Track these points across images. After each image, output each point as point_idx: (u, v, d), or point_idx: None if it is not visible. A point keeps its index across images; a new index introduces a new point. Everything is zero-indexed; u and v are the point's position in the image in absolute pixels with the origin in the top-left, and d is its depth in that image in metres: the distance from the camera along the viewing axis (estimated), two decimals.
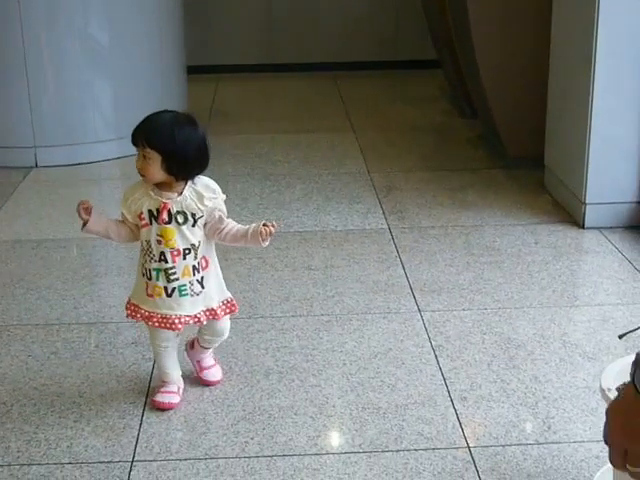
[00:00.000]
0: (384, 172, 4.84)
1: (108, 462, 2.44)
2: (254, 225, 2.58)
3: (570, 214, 4.14)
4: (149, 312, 2.58)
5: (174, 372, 2.72)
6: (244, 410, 2.67)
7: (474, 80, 5.00)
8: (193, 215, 2.52)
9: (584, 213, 4.00)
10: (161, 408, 2.66)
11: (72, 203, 4.39)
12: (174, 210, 2.50)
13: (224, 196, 2.61)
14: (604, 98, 3.85)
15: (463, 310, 3.27)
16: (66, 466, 2.43)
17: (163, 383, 2.72)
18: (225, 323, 2.72)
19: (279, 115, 6.17)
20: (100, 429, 2.59)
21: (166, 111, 2.58)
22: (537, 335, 3.08)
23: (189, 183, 2.52)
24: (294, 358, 2.96)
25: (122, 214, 2.58)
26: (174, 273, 2.54)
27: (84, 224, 2.57)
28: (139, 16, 5.18)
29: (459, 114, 5.95)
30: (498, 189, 4.55)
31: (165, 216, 2.50)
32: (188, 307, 2.58)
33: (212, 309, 2.63)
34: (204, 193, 2.53)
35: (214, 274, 2.65)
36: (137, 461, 2.45)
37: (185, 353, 2.84)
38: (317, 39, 7.42)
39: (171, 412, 2.66)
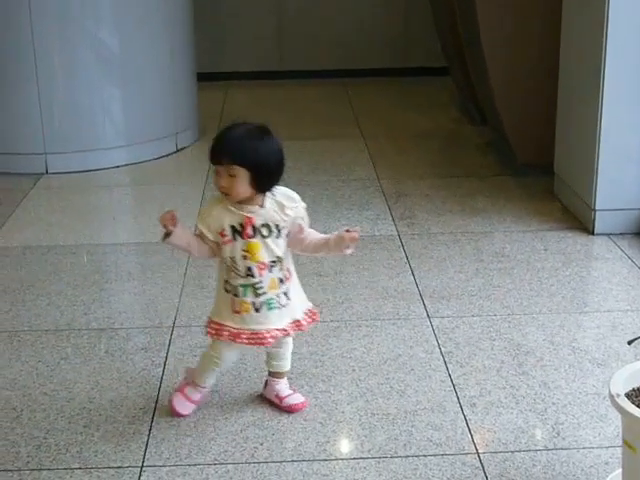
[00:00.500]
0: (393, 179, 4.84)
1: (118, 467, 2.45)
2: (336, 233, 2.53)
3: (579, 221, 4.14)
4: (237, 329, 2.51)
5: (210, 382, 2.68)
6: (253, 416, 2.68)
7: (483, 87, 5.01)
8: (277, 226, 2.47)
9: (594, 219, 3.99)
10: (174, 415, 2.65)
11: (82, 209, 4.43)
12: (258, 223, 2.44)
13: (304, 204, 2.55)
14: (613, 105, 3.86)
15: (472, 316, 3.27)
16: (76, 471, 2.43)
17: (190, 383, 2.68)
18: (289, 341, 2.67)
19: (288, 122, 6.17)
20: (110, 434, 2.59)
21: (238, 124, 2.48)
22: (546, 341, 3.08)
23: (268, 194, 2.46)
24: (303, 364, 2.96)
25: (200, 232, 2.48)
26: (261, 287, 2.48)
27: (166, 235, 2.45)
28: (149, 23, 5.21)
29: (468, 121, 5.95)
30: (507, 196, 4.55)
31: (250, 230, 2.43)
32: (276, 320, 2.52)
33: (297, 320, 2.58)
34: (285, 203, 2.47)
35: (296, 284, 2.61)
36: (147, 466, 2.45)
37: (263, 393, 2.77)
38: (327, 46, 7.43)
39: (181, 417, 2.67)
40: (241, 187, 2.39)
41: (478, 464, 2.42)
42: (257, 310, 2.49)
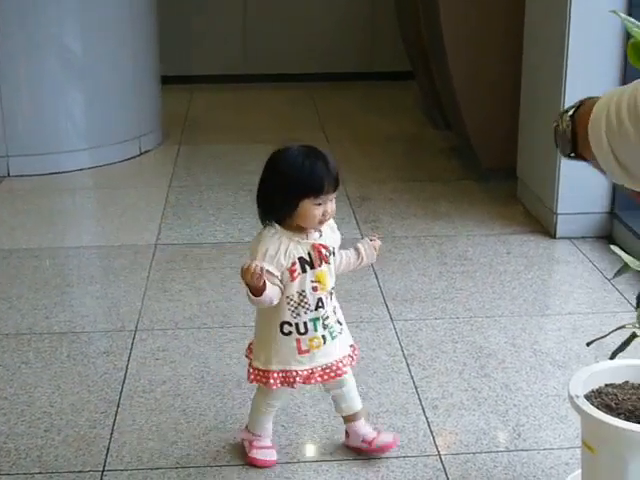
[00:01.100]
0: (358, 183, 4.85)
1: (79, 472, 2.43)
2: (359, 245, 2.39)
3: (542, 224, 4.17)
4: (308, 370, 2.32)
5: (270, 425, 2.49)
6: (216, 419, 2.67)
7: (447, 92, 5.03)
8: (334, 249, 2.32)
9: (555, 223, 4.03)
10: (263, 466, 2.44)
11: (45, 212, 4.39)
12: (324, 249, 2.28)
13: None
14: None
15: (435, 319, 3.28)
16: (36, 476, 2.42)
17: (255, 437, 2.46)
18: (347, 377, 2.43)
19: (253, 126, 6.17)
20: (71, 439, 2.58)
21: (309, 147, 2.29)
22: (508, 344, 3.10)
23: None
24: None
25: (266, 274, 2.18)
26: (327, 317, 2.32)
27: (257, 290, 2.19)
28: (112, 26, 5.18)
29: (433, 125, 5.98)
30: (471, 200, 4.58)
31: (319, 258, 2.26)
32: (339, 348, 2.37)
33: (352, 345, 2.44)
34: (332, 224, 2.33)
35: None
36: (108, 470, 2.44)
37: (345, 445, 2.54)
38: (292, 50, 7.43)
39: (142, 421, 2.66)
40: None
41: (440, 466, 2.43)
42: (326, 342, 2.32)
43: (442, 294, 3.48)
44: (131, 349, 3.09)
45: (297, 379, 2.31)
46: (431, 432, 2.59)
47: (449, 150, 5.47)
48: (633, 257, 2.08)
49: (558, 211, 4.01)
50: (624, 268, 2.06)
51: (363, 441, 2.45)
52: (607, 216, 4.03)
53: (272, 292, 2.21)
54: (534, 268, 3.74)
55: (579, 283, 3.60)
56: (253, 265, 2.14)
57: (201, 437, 2.58)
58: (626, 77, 3.82)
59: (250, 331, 3.16)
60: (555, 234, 4.03)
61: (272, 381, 2.31)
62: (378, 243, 2.42)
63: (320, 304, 2.29)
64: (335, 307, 2.36)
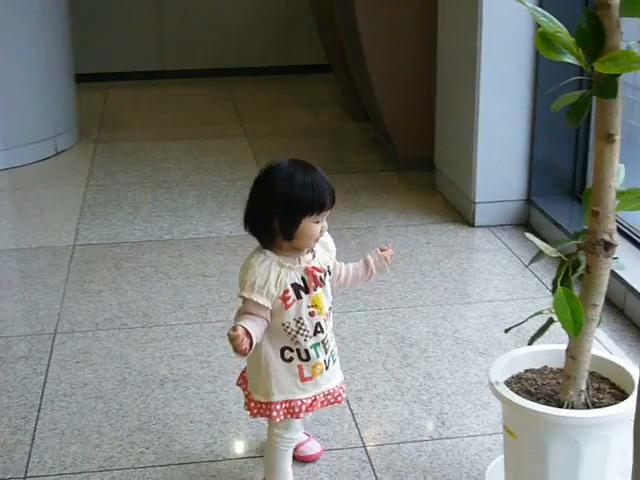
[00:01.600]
0: None
1: (0, 479, 2.39)
2: (369, 258, 2.30)
3: (460, 213, 4.21)
4: (311, 398, 2.18)
5: (289, 464, 2.28)
6: (139, 420, 2.64)
7: (365, 84, 5.05)
8: (328, 268, 2.19)
9: (474, 212, 4.07)
10: None
11: None
12: (318, 273, 2.15)
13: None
14: (490, 99, 3.93)
15: (358, 311, 3.29)
16: None
17: None
18: None
19: (171, 122, 6.12)
20: None
21: (301, 163, 2.15)
22: (430, 333, 3.13)
23: None
24: (189, 366, 2.94)
25: (252, 304, 2.08)
26: (328, 341, 2.19)
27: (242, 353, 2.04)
28: (22, 24, 5.07)
29: (351, 118, 6.00)
30: (390, 191, 4.60)
31: (314, 282, 2.14)
32: (337, 372, 2.25)
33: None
34: (325, 239, 2.21)
35: None
36: (30, 477, 2.40)
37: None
38: (208, 45, 7.38)
39: (64, 425, 2.62)
40: None
41: (365, 457, 2.44)
42: (327, 367, 2.19)
43: (364, 286, 3.49)
44: (51, 352, 3.04)
45: (302, 408, 2.17)
46: (356, 424, 2.60)
47: (368, 142, 5.49)
48: (548, 243, 2.11)
49: (476, 200, 4.06)
50: (539, 255, 2.08)
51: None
52: (524, 203, 4.08)
53: (259, 334, 2.07)
54: (454, 257, 3.78)
55: (498, 270, 3.65)
56: (239, 336, 1.99)
57: (125, 439, 2.55)
58: (538, 66, 3.88)
59: (172, 330, 3.17)
60: (473, 223, 4.08)
61: (275, 413, 2.15)
62: (390, 253, 2.31)
63: (319, 329, 2.15)
64: (331, 327, 2.22)
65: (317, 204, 2.07)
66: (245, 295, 2.08)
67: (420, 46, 4.66)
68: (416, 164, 4.84)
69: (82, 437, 2.57)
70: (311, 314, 2.13)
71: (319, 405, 2.19)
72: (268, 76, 7.32)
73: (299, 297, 2.11)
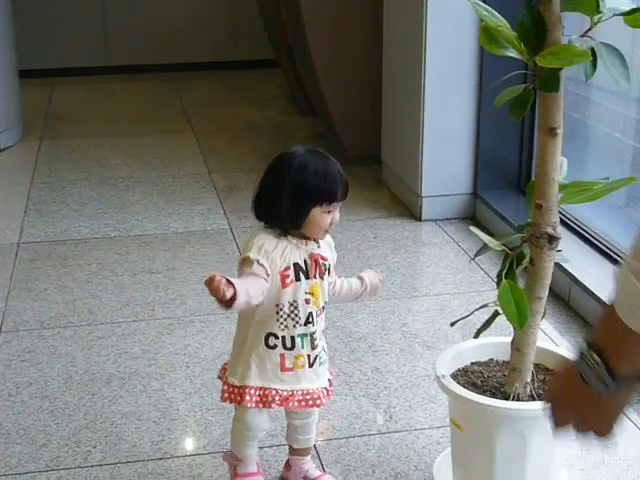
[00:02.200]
0: (224, 172, 4.83)
1: None
2: (364, 274, 2.23)
3: (407, 207, 4.23)
4: (288, 392, 2.11)
5: (254, 450, 2.27)
6: (86, 419, 2.62)
7: (311, 79, 5.05)
8: (329, 266, 2.14)
9: (420, 206, 4.09)
10: None
11: None
12: (322, 260, 2.10)
13: None
14: (435, 93, 3.95)
15: None
16: None
17: (238, 462, 2.27)
18: (315, 410, 2.25)
19: (117, 118, 6.07)
20: None
21: (317, 152, 2.13)
22: (378, 327, 3.14)
23: None
24: (136, 363, 2.92)
25: (256, 265, 2.01)
26: (317, 338, 2.12)
27: (229, 301, 1.92)
28: None
29: (298, 113, 5.99)
30: None
31: (316, 268, 2.08)
32: (323, 377, 2.17)
33: (329, 379, 2.22)
34: (329, 239, 2.16)
35: None
36: None
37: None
38: (153, 40, 7.33)
39: (9, 425, 2.58)
40: None
41: (313, 452, 2.43)
42: (311, 365, 2.12)
43: None
44: None
45: (276, 399, 2.10)
46: None
47: (315, 137, 5.48)
48: (494, 237, 2.12)
49: (422, 194, 4.08)
50: (483, 248, 2.10)
51: (305, 478, 2.30)
52: (470, 197, 4.11)
53: (250, 290, 1.96)
54: (401, 251, 3.79)
55: (445, 264, 3.67)
56: (217, 278, 1.89)
57: (71, 438, 2.53)
58: (483, 60, 3.90)
59: (119, 327, 3.14)
60: (420, 217, 4.10)
61: (248, 398, 2.08)
62: (381, 277, 2.26)
63: (310, 319, 2.09)
64: (323, 329, 2.16)
65: (328, 194, 2.03)
66: (251, 255, 2.01)
67: (366, 40, 4.66)
68: (363, 159, 4.84)
69: (27, 437, 2.53)
70: (307, 301, 2.08)
71: (296, 403, 2.11)
72: (214, 71, 7.29)
73: (298, 279, 2.06)
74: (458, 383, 2.10)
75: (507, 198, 4.00)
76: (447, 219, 4.09)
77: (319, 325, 2.12)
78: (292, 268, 2.05)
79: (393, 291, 3.41)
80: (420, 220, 4.10)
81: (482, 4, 1.89)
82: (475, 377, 2.17)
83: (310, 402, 2.13)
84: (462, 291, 3.41)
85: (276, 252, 2.04)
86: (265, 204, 2.08)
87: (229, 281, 1.90)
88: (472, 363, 2.22)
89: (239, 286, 1.92)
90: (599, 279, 3.18)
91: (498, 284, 2.01)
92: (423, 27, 3.87)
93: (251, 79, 7.06)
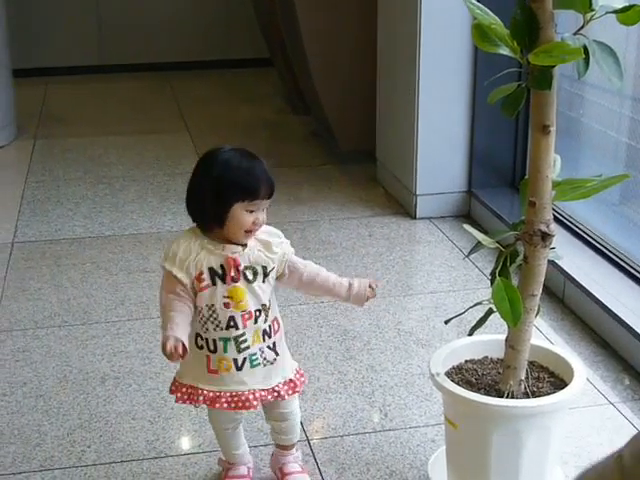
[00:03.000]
0: None
1: None
2: (356, 286, 2.18)
3: (402, 205, 4.23)
4: (214, 392, 2.12)
5: (241, 451, 2.30)
6: (80, 419, 2.61)
7: (305, 77, 5.04)
8: (264, 268, 2.09)
9: (415, 204, 4.09)
10: None
11: None
12: (242, 265, 2.07)
13: (288, 240, 2.18)
14: (429, 92, 3.95)
15: (300, 304, 3.28)
16: None
17: (230, 466, 2.31)
18: (292, 401, 2.24)
19: (112, 117, 6.06)
20: None
21: (239, 151, 2.11)
22: (373, 325, 3.14)
23: None
24: (131, 362, 2.91)
25: (171, 277, 2.05)
26: (245, 340, 2.09)
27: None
28: None
29: (293, 111, 5.99)
30: (332, 184, 4.61)
31: (233, 273, 2.06)
32: (262, 379, 2.13)
33: (291, 380, 2.19)
34: (269, 239, 2.11)
35: (284, 338, 2.22)
36: None
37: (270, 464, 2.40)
38: (148, 39, 7.33)
39: (3, 425, 2.58)
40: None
41: (308, 450, 2.44)
42: (239, 368, 2.10)
43: None
44: None
45: (200, 399, 2.12)
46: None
47: (309, 135, 5.49)
48: (488, 234, 2.12)
49: (417, 192, 4.08)
50: (477, 246, 2.09)
51: (280, 469, 2.32)
52: (465, 195, 4.11)
53: (186, 324, 2.02)
54: (396, 249, 3.79)
55: (440, 262, 3.67)
56: (169, 346, 1.94)
57: (65, 437, 2.52)
58: (477, 58, 3.90)
59: (114, 326, 3.14)
60: (415, 215, 4.10)
61: (179, 395, 2.14)
62: (374, 293, 2.21)
63: (232, 323, 2.07)
64: (267, 331, 2.12)
65: (250, 190, 2.02)
66: (166, 266, 2.06)
67: (361, 38, 4.66)
68: (358, 157, 4.85)
69: (22, 437, 2.53)
70: (226, 305, 2.07)
71: (225, 405, 2.11)
72: (209, 70, 7.29)
73: (214, 283, 2.06)
74: (452, 381, 2.10)
75: (502, 196, 4.00)
76: (442, 217, 4.10)
77: (249, 329, 2.09)
78: (207, 272, 2.05)
79: (388, 289, 3.41)
80: (415, 218, 4.10)
81: (475, 2, 1.89)
82: (469, 375, 2.17)
83: (239, 404, 2.12)
84: (457, 289, 3.42)
85: (189, 259, 2.04)
86: (191, 200, 2.09)
87: (177, 339, 1.96)
88: (466, 361, 2.22)
89: (183, 336, 1.97)
90: (593, 277, 3.19)
91: (492, 282, 2.01)
92: (417, 25, 3.87)
93: (245, 78, 7.06)
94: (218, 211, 2.02)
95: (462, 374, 2.18)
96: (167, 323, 2.01)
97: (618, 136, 3.61)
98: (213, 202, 2.02)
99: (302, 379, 2.23)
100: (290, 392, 2.18)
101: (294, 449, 2.34)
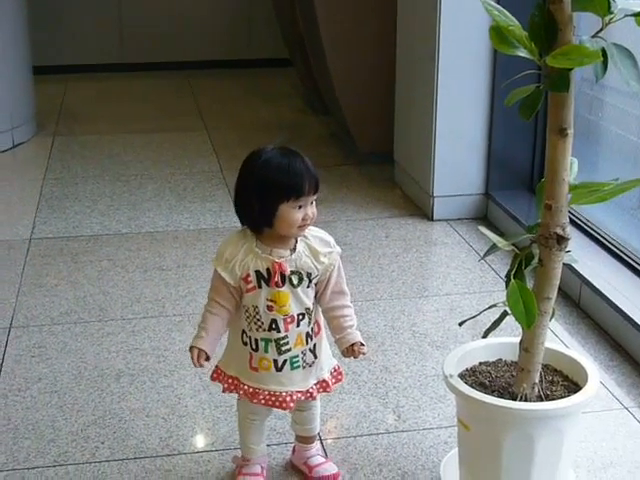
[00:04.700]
0: (237, 171, 4.79)
1: None
2: (349, 337, 2.16)
3: (419, 207, 4.22)
4: (254, 388, 2.17)
5: (259, 448, 2.31)
6: (94, 415, 2.62)
7: (324, 78, 5.05)
8: (309, 275, 2.11)
9: (432, 206, 4.08)
10: None
11: None
12: (288, 270, 2.09)
13: (339, 249, 2.18)
14: (448, 94, 3.95)
15: None
16: None
17: (245, 462, 2.31)
18: (316, 402, 2.30)
19: (131, 115, 6.08)
20: None
21: (283, 149, 2.13)
22: (387, 326, 3.13)
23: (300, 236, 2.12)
24: (146, 360, 2.92)
25: (219, 277, 2.11)
26: (286, 343, 2.13)
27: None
28: None
29: (311, 112, 5.99)
30: (350, 185, 4.61)
31: (278, 278, 2.08)
32: (300, 381, 2.17)
33: (324, 380, 2.21)
34: (319, 248, 2.12)
35: (324, 339, 2.23)
36: None
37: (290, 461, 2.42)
38: (168, 38, 7.35)
39: (18, 420, 2.59)
40: None
41: (321, 451, 2.44)
42: (279, 369, 2.14)
43: None
44: (5, 347, 3.01)
45: (241, 392, 2.19)
46: None
47: (328, 136, 5.49)
48: (505, 237, 2.11)
49: (434, 194, 4.07)
50: (492, 248, 2.09)
51: (305, 464, 2.34)
52: (482, 197, 4.10)
53: (218, 333, 2.16)
54: (412, 250, 3.79)
55: (456, 264, 3.66)
56: (193, 356, 2.14)
57: (79, 433, 2.53)
58: (496, 61, 3.90)
59: (129, 324, 3.16)
60: (432, 216, 4.09)
61: (226, 385, 2.21)
62: (359, 354, 2.18)
63: (274, 326, 2.11)
64: (309, 334, 2.15)
65: (293, 188, 2.03)
66: (214, 264, 2.11)
67: (380, 40, 4.65)
68: (376, 158, 4.85)
69: (36, 432, 2.54)
70: (269, 308, 2.10)
71: (262, 401, 2.16)
72: (229, 69, 7.31)
73: (259, 286, 2.09)
74: (466, 383, 2.10)
75: (519, 198, 3.99)
76: (459, 219, 4.09)
77: (292, 332, 2.12)
78: (253, 275, 2.08)
79: (404, 291, 3.41)
80: (432, 220, 4.09)
81: (493, 4, 1.88)
82: (483, 377, 2.16)
83: (276, 403, 2.16)
84: (472, 291, 3.41)
85: (236, 261, 2.08)
86: (238, 204, 2.12)
87: (200, 351, 2.14)
88: (480, 363, 2.22)
89: (210, 346, 2.14)
90: (610, 281, 3.18)
91: (507, 284, 2.01)
92: (436, 27, 3.87)
93: (265, 77, 7.07)
94: (265, 212, 2.04)
95: (476, 376, 2.17)
96: (200, 329, 2.16)
97: (638, 140, 3.59)
98: (259, 204, 2.03)
99: (338, 377, 2.26)
100: (321, 390, 2.22)
101: (315, 441, 2.37)
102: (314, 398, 2.22)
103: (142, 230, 4.03)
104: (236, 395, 2.25)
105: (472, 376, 2.17)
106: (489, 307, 2.16)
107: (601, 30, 1.83)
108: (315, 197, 2.09)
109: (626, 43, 1.83)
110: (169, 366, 2.88)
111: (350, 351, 2.17)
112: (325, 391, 2.23)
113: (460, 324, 2.27)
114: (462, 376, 2.15)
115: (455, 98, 3.96)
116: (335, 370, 2.26)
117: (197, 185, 4.63)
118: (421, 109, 4.12)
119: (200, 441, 2.53)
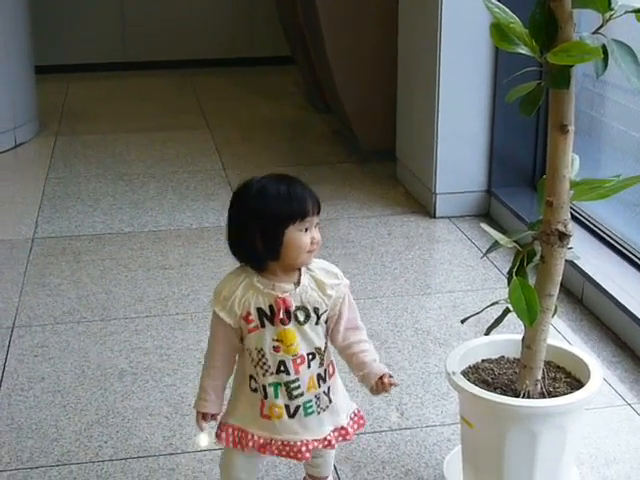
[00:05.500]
0: (240, 169, 4.83)
1: None
2: (375, 370, 2.01)
3: (421, 204, 4.22)
4: (266, 438, 1.99)
5: None
6: (97, 414, 2.63)
7: (327, 76, 5.04)
8: (316, 310, 1.94)
9: (434, 203, 4.08)
10: None
11: None
12: (293, 306, 1.93)
13: (347, 281, 2.02)
14: (450, 91, 3.94)
15: None
16: None
17: None
18: (332, 451, 2.16)
19: (133, 114, 6.08)
20: None
21: (279, 175, 1.97)
22: (390, 324, 3.13)
23: (304, 268, 1.96)
24: (149, 358, 2.92)
25: (218, 322, 1.95)
26: (297, 387, 1.96)
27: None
28: None
29: (314, 110, 5.99)
30: (352, 182, 4.61)
31: (283, 315, 1.92)
32: (315, 428, 2.00)
33: (342, 427, 2.04)
34: (325, 280, 1.96)
35: (339, 381, 2.08)
36: None
37: None
38: (171, 36, 7.34)
39: (22, 419, 2.59)
40: None
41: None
42: (291, 416, 1.97)
43: None
44: (8, 347, 3.01)
45: (250, 444, 1.99)
46: None
47: (330, 134, 5.49)
48: (507, 234, 2.11)
49: (437, 191, 4.07)
50: (494, 245, 2.09)
51: None
52: (484, 194, 4.10)
53: (222, 391, 2.02)
54: (415, 248, 3.79)
55: (458, 261, 3.66)
56: (199, 422, 2.03)
57: (82, 433, 2.54)
58: (497, 58, 3.89)
59: (132, 323, 3.16)
60: (434, 214, 4.09)
61: (224, 436, 2.02)
62: (386, 388, 2.02)
63: (282, 368, 1.94)
64: (322, 376, 1.99)
65: (297, 211, 1.88)
66: (212, 305, 1.96)
67: (382, 37, 4.65)
68: (378, 155, 4.85)
69: (39, 431, 2.55)
70: (275, 349, 1.94)
71: (275, 451, 1.99)
72: (230, 67, 7.30)
73: (263, 325, 1.93)
74: (469, 380, 2.10)
75: (521, 195, 3.98)
76: (461, 216, 4.09)
77: (303, 374, 1.96)
78: (255, 313, 1.92)
79: (406, 288, 3.41)
80: (434, 217, 4.09)
81: (494, 1, 1.88)
82: (486, 374, 2.16)
83: (291, 454, 1.99)
84: (475, 288, 3.41)
85: (235, 299, 1.92)
86: (236, 242, 1.95)
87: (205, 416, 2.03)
88: (483, 360, 2.22)
89: (216, 406, 2.02)
90: (613, 277, 3.17)
91: (509, 281, 2.01)
92: (438, 24, 3.86)
93: (267, 75, 7.07)
94: (271, 243, 1.88)
95: (478, 373, 2.17)
96: (202, 390, 2.02)
97: None
98: (263, 236, 1.88)
99: (360, 422, 2.10)
100: (340, 439, 2.05)
101: (329, 477, 2.25)
102: (333, 447, 2.05)
103: (145, 229, 4.03)
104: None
105: (475, 373, 2.17)
106: (491, 304, 2.16)
107: (601, 27, 1.83)
108: (318, 220, 1.94)
109: (626, 39, 1.83)
110: (172, 365, 2.88)
111: (380, 385, 1.99)
112: (345, 439, 2.06)
113: (462, 321, 2.27)
114: (465, 373, 2.15)
115: (457, 96, 3.96)
116: (355, 414, 2.10)
117: (199, 183, 4.63)
118: (423, 107, 4.12)
119: (203, 440, 2.53)
